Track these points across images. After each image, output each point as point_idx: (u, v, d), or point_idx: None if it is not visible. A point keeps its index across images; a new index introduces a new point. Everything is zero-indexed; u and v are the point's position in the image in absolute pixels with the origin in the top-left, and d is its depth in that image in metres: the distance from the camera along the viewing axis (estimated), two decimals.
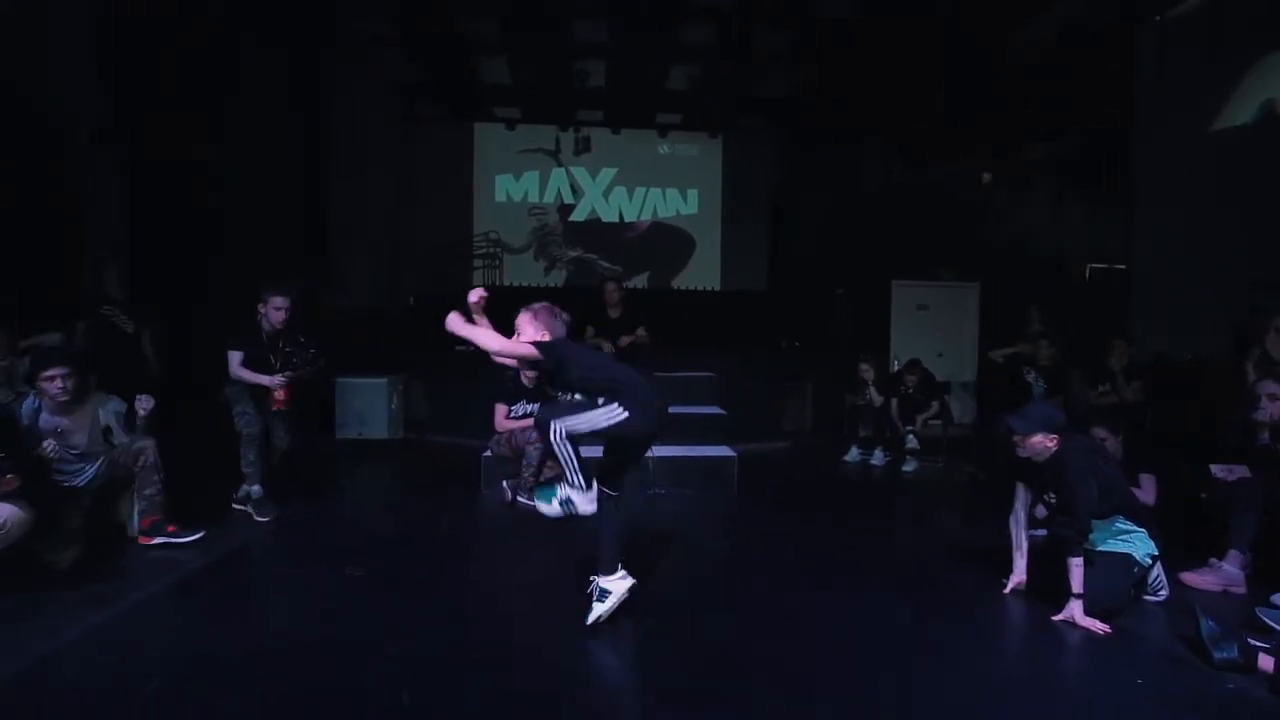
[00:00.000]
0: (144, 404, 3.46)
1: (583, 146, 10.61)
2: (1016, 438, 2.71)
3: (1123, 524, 2.76)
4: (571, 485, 2.47)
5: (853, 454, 5.99)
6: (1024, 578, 2.94)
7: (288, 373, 3.95)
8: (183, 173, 6.15)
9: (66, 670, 2.26)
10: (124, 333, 4.49)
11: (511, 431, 4.56)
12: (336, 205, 8.66)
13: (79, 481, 3.25)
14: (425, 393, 7.02)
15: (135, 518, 3.42)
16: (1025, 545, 2.92)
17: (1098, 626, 2.56)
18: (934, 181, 8.75)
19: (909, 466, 5.66)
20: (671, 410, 5.48)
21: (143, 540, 3.37)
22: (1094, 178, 7.87)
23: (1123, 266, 7.75)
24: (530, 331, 2.56)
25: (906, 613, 2.82)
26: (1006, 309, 8.22)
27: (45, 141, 4.99)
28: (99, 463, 3.31)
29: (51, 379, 3.14)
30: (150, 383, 4.58)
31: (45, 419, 3.17)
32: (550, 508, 2.51)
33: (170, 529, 3.40)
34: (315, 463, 5.43)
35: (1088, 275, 8.37)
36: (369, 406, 6.55)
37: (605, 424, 2.42)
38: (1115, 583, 2.67)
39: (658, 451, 5.04)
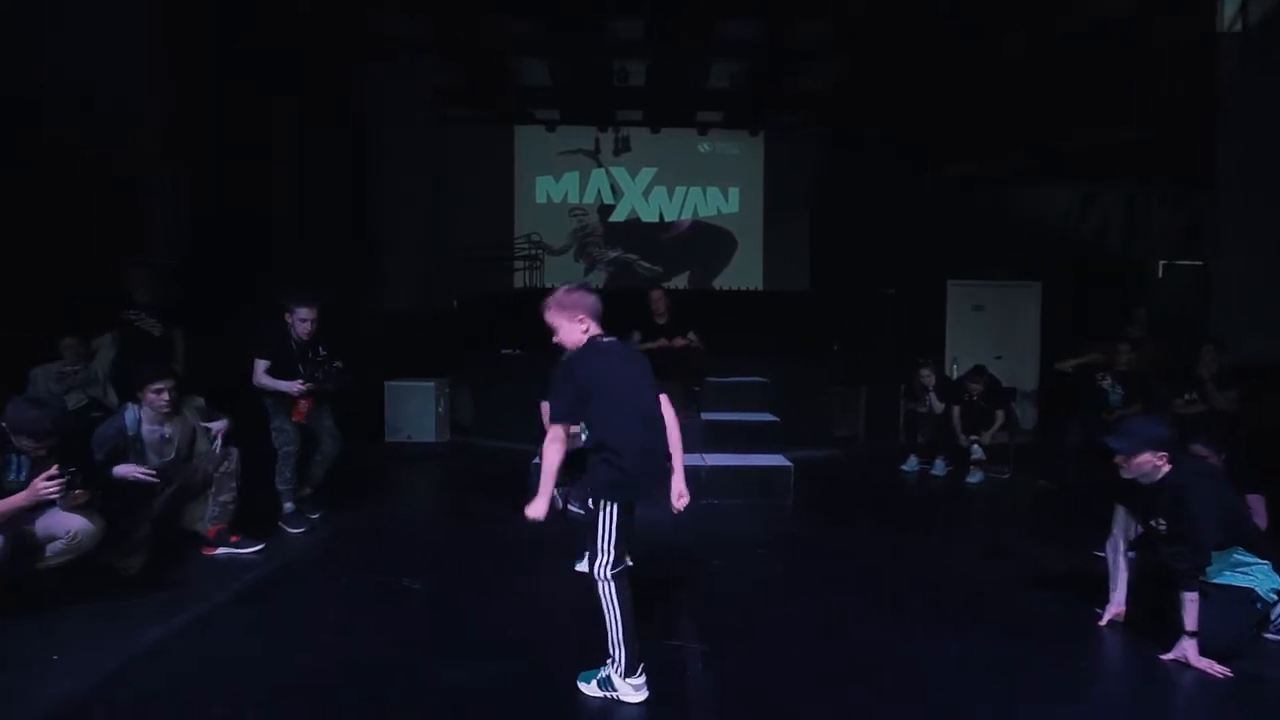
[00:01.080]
0: (218, 427, 3.45)
1: (622, 146, 10.54)
2: (1119, 458, 2.47)
3: (1241, 555, 2.49)
4: (614, 661, 2.14)
5: (911, 463, 5.74)
6: (1123, 609, 2.70)
7: (308, 383, 3.81)
8: (234, 180, 6.25)
9: (128, 691, 2.23)
10: (153, 337, 4.45)
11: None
12: (381, 210, 8.73)
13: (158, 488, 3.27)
14: (471, 396, 7.01)
15: (205, 523, 3.42)
16: (1125, 574, 2.68)
17: (1215, 669, 2.32)
18: (989, 175, 8.35)
19: (974, 478, 5.39)
20: (724, 418, 5.44)
21: (206, 551, 3.39)
22: (1168, 166, 7.38)
23: (1200, 262, 7.29)
24: (566, 325, 2.24)
25: (987, 645, 2.59)
26: (1071, 308, 7.82)
27: (105, 148, 5.10)
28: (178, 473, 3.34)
29: (160, 391, 3.23)
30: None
31: (147, 429, 3.24)
32: (589, 688, 2.19)
33: (234, 539, 3.43)
34: (366, 468, 5.44)
35: (1161, 273, 7.90)
36: (417, 410, 6.56)
37: (612, 524, 2.12)
38: (1236, 620, 2.42)
39: (710, 460, 4.90)
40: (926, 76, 7.78)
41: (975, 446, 5.47)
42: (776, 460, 4.96)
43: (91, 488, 2.69)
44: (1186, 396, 4.80)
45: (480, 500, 4.89)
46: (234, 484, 3.39)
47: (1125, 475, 2.49)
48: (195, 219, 5.86)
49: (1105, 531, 2.77)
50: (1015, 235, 8.09)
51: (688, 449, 5.03)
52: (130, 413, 3.21)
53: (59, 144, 4.67)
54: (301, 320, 3.80)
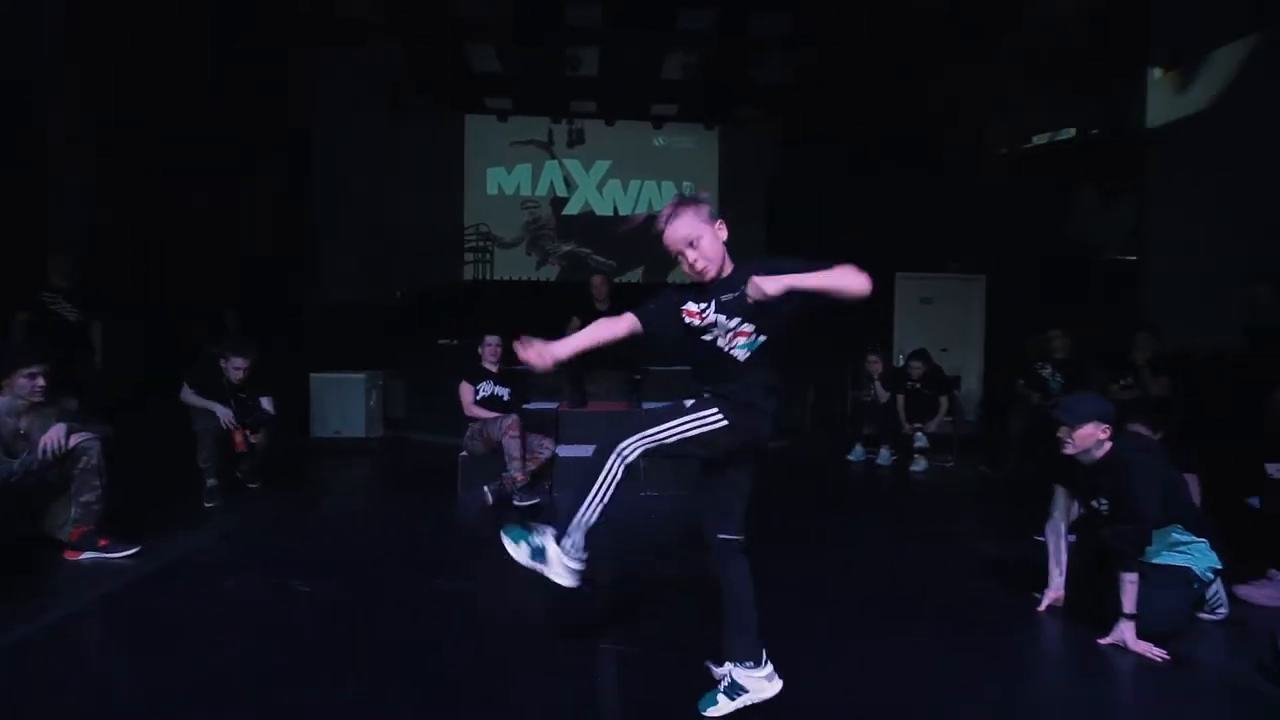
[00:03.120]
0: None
1: (576, 138, 10.32)
2: (1062, 430, 2.37)
3: (1179, 534, 2.42)
4: (560, 535, 1.80)
5: (857, 453, 5.66)
6: (1062, 594, 2.60)
7: (239, 427, 4.05)
8: (156, 167, 5.79)
9: None
10: (68, 322, 4.21)
11: (484, 422, 4.32)
12: (319, 198, 8.30)
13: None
14: (406, 389, 6.68)
15: (68, 526, 3.02)
16: (1065, 558, 2.59)
17: (1153, 652, 2.22)
18: (940, 169, 8.41)
19: (918, 467, 5.33)
20: (665, 407, 5.25)
21: (70, 555, 2.99)
22: (1105, 166, 7.56)
23: (1133, 258, 7.46)
24: (697, 227, 1.93)
25: (928, 635, 2.46)
26: (1014, 302, 7.91)
27: (14, 132, 4.66)
28: (26, 462, 2.93)
29: (33, 376, 2.89)
30: (96, 376, 4.26)
31: (7, 420, 2.87)
32: (517, 551, 1.83)
33: (103, 543, 3.02)
34: (286, 464, 5.06)
35: (1100, 266, 8.06)
36: (346, 404, 6.19)
37: (695, 432, 1.82)
38: (1174, 601, 2.33)
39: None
40: (882, 70, 7.78)
41: (919, 435, 5.42)
42: None
43: None
44: (1122, 382, 4.84)
45: (399, 497, 4.63)
46: (97, 481, 2.98)
47: (1068, 451, 2.37)
48: (111, 206, 5.39)
49: (1045, 517, 2.68)
50: (963, 229, 8.15)
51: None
52: (3, 400, 2.83)
53: None
54: (235, 368, 4.11)
